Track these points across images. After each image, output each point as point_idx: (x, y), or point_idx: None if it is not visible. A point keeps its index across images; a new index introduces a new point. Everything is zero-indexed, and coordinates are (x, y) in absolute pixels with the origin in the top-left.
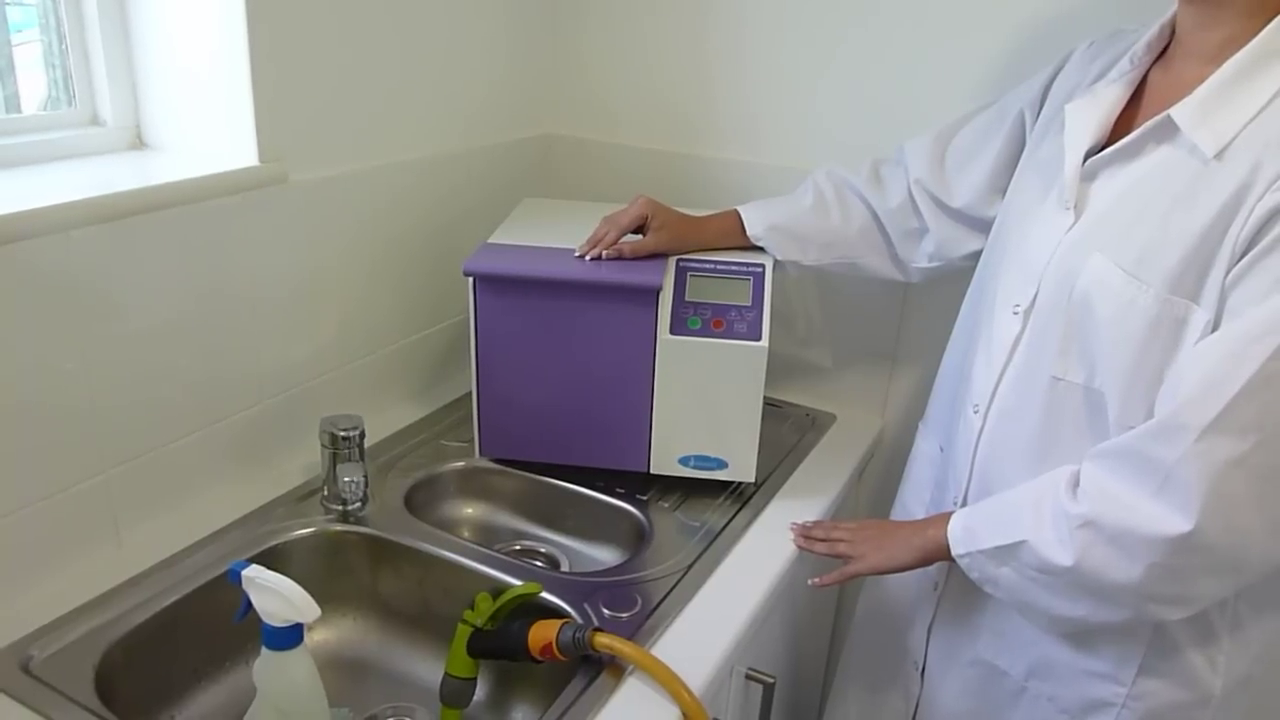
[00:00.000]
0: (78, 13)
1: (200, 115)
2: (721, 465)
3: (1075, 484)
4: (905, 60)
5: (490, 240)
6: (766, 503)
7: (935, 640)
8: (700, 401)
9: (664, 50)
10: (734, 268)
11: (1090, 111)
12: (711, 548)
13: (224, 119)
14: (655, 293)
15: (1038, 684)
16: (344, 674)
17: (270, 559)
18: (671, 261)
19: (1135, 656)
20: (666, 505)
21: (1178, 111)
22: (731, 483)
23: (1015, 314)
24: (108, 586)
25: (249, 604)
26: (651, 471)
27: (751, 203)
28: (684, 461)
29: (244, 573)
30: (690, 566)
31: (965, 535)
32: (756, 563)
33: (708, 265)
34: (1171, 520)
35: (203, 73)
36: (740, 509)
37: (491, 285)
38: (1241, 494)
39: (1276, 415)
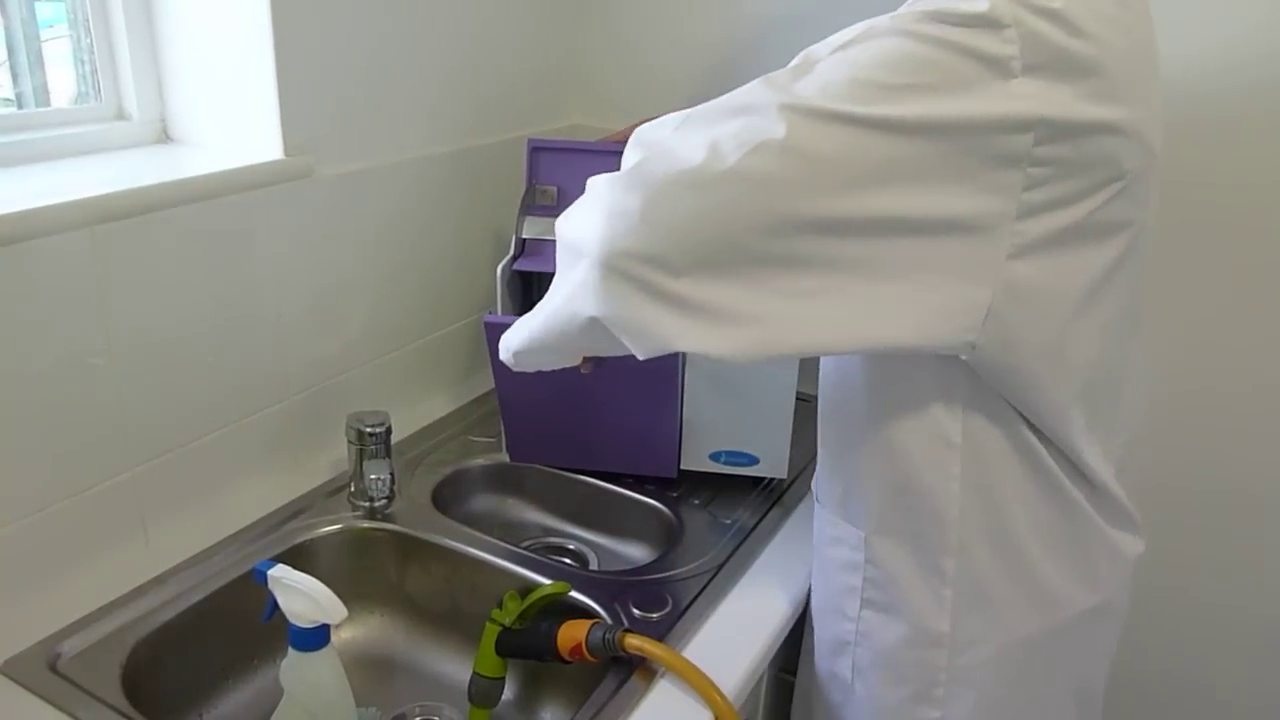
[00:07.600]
0: (103, 7)
1: (225, 109)
2: (753, 461)
3: None
4: None
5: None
6: (799, 500)
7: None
8: (731, 396)
9: (695, 39)
10: None
11: None
12: (743, 546)
13: (249, 113)
14: None
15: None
16: (371, 672)
17: (297, 556)
18: None
19: (856, 590)
20: (697, 502)
21: None
22: (763, 479)
23: None
24: (135, 584)
25: (275, 604)
26: (681, 467)
27: None
28: (715, 457)
29: (270, 573)
30: (722, 565)
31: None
32: (789, 561)
33: None
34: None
35: (228, 66)
36: (772, 506)
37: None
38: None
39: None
